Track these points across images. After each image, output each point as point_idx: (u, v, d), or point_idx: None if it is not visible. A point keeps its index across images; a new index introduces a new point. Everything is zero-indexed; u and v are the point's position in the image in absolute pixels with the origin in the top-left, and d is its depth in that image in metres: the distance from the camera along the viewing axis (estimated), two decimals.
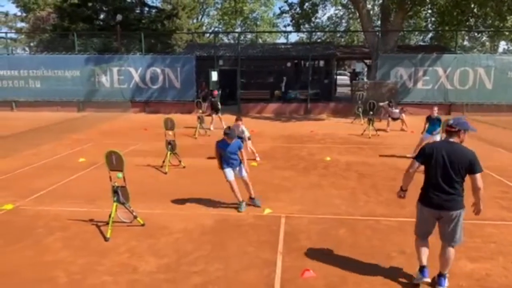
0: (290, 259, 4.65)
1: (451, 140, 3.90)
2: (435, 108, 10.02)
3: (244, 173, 6.33)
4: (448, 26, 20.42)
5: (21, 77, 19.68)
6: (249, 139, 9.39)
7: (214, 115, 14.19)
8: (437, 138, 9.29)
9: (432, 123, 9.63)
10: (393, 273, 4.32)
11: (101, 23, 26.29)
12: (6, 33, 29.95)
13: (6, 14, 35.75)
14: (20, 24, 37.41)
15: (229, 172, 6.25)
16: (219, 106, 14.35)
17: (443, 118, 9.16)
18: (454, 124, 3.88)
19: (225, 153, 6.19)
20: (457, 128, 3.86)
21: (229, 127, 6.33)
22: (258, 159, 9.39)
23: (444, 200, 3.83)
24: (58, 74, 19.55)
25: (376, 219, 5.82)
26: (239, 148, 6.24)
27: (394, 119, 14.25)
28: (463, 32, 27.07)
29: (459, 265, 4.42)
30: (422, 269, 4.07)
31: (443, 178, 3.83)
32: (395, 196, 6.70)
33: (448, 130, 3.92)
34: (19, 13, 37.44)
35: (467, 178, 3.85)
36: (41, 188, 7.30)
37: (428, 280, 4.04)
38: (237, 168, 6.31)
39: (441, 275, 4.02)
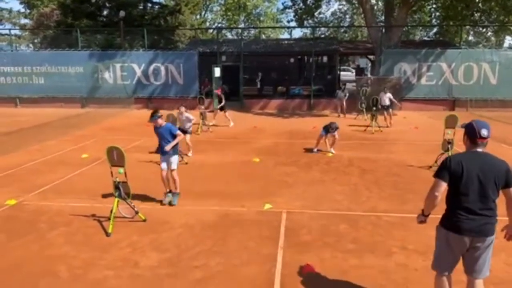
0: (290, 254, 4.66)
1: (479, 150, 3.15)
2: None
3: (174, 166, 6.29)
4: (453, 21, 20.29)
5: (25, 74, 19.74)
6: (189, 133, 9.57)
7: (219, 112, 14.34)
8: None
9: None
10: (394, 269, 4.32)
11: (104, 19, 26.30)
12: (10, 29, 30.07)
13: (10, 10, 35.88)
14: (23, 21, 37.55)
15: (162, 160, 6.32)
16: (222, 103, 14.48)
17: (446, 114, 9.12)
18: (489, 134, 3.13)
19: (159, 137, 6.23)
20: (488, 139, 3.16)
21: (156, 110, 6.28)
22: (190, 154, 9.41)
23: (481, 224, 3.08)
24: (62, 71, 19.60)
25: (377, 215, 5.81)
26: (171, 132, 6.16)
27: (383, 106, 14.09)
28: (467, 27, 26.85)
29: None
30: None
31: (479, 198, 3.08)
32: (398, 192, 6.79)
33: (479, 141, 3.13)
34: (22, 10, 37.56)
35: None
36: (44, 184, 7.35)
37: None
38: (170, 159, 6.28)
39: None
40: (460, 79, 17.97)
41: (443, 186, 3.15)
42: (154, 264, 4.49)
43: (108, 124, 14.67)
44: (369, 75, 28.06)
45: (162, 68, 19.26)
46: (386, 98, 14.18)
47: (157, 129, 6.24)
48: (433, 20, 29.14)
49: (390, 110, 14.13)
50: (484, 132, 3.12)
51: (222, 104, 14.31)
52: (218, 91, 15.13)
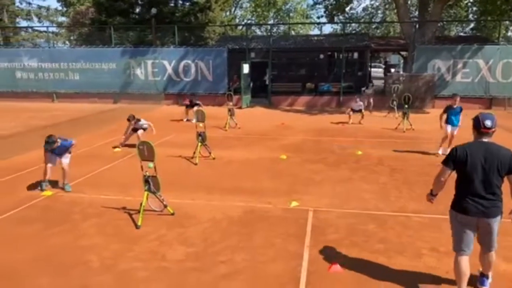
0: (317, 252, 4.62)
1: (486, 140, 3.49)
2: (458, 98, 9.44)
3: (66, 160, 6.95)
4: (491, 15, 19.46)
5: (62, 70, 20.49)
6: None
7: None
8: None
9: (454, 113, 9.21)
10: (423, 271, 4.21)
11: (137, 16, 26.84)
12: (47, 27, 31.24)
13: (48, 8, 37.25)
14: (61, 19, 38.91)
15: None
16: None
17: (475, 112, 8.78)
18: (493, 125, 3.46)
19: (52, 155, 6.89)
20: (495, 129, 3.49)
21: (48, 136, 6.93)
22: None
23: (485, 207, 3.44)
24: (96, 67, 20.21)
25: (407, 215, 5.67)
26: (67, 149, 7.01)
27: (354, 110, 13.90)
28: (506, 22, 25.67)
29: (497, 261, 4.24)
30: None
31: (483, 184, 3.43)
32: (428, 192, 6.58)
33: (484, 131, 3.46)
34: (59, 8, 38.94)
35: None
36: (78, 176, 7.61)
37: None
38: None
39: (483, 275, 3.86)
40: (498, 76, 17.22)
41: (448, 172, 3.61)
42: (180, 257, 4.57)
43: None
44: (401, 72, 27.40)
45: (192, 65, 19.50)
46: (361, 103, 13.95)
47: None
48: (470, 15, 28.08)
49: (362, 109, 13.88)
50: (488, 123, 3.45)
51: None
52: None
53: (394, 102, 15.54)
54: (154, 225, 5.39)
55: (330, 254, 4.58)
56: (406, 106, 12.67)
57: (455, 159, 3.53)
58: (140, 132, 10.04)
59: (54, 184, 7.14)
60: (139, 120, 10.15)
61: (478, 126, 3.50)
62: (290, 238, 5.02)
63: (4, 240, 5.02)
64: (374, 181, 7.27)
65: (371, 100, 16.65)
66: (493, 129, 3.48)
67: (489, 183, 3.43)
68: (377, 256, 4.53)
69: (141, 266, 4.38)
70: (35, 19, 36.11)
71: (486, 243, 3.64)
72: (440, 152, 9.10)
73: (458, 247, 3.63)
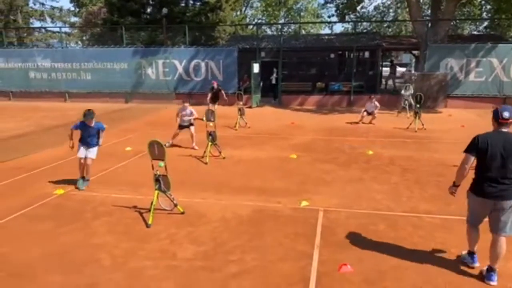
0: (327, 252, 4.59)
1: (504, 130, 3.87)
2: None
3: (93, 155, 7.01)
4: (505, 14, 19.12)
5: (74, 70, 20.75)
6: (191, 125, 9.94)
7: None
8: None
9: None
10: (435, 272, 4.15)
11: (148, 16, 27.04)
12: (60, 27, 31.63)
13: (61, 9, 37.67)
14: (73, 19, 39.36)
15: (82, 149, 6.97)
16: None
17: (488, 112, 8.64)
18: (510, 117, 3.81)
19: (84, 133, 6.95)
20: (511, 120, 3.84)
21: (88, 109, 7.11)
22: (196, 147, 9.63)
23: (501, 190, 3.81)
24: (107, 67, 20.41)
25: (418, 216, 5.61)
26: (99, 130, 7.10)
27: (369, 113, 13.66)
28: None
29: (507, 265, 4.17)
30: (472, 254, 4.19)
31: (500, 169, 3.81)
32: (441, 193, 6.52)
33: (503, 122, 3.85)
34: (72, 8, 39.39)
35: None
36: (90, 175, 7.67)
37: (477, 264, 4.12)
38: (91, 149, 6.99)
39: (491, 270, 3.96)
40: None
41: (471, 159, 3.95)
42: (190, 256, 4.58)
43: (150, 119, 15.12)
44: (413, 71, 27.10)
45: (203, 64, 19.57)
46: (372, 104, 13.61)
47: (83, 125, 6.99)
48: (483, 14, 27.65)
49: (375, 111, 13.55)
50: (506, 114, 3.82)
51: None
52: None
53: (406, 102, 15.39)
54: (164, 224, 5.42)
55: (340, 255, 4.54)
56: (418, 105, 12.53)
57: (477, 147, 3.87)
58: (192, 128, 9.84)
59: (70, 182, 7.22)
60: (184, 108, 9.81)
61: (497, 117, 3.87)
62: (299, 238, 5.00)
63: (16, 238, 5.09)
64: (385, 181, 7.20)
65: (412, 101, 16.11)
66: (511, 120, 3.83)
67: (506, 169, 3.80)
68: (388, 257, 4.48)
69: (151, 264, 4.40)
70: (48, 19, 36.59)
71: (498, 227, 3.89)
72: None
73: (472, 221, 4.15)
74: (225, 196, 6.53)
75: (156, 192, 5.57)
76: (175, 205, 5.71)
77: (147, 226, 5.34)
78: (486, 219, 4.04)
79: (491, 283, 3.90)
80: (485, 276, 3.97)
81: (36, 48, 26.18)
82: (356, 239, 4.93)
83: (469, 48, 17.43)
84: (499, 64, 16.97)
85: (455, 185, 4.17)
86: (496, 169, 3.81)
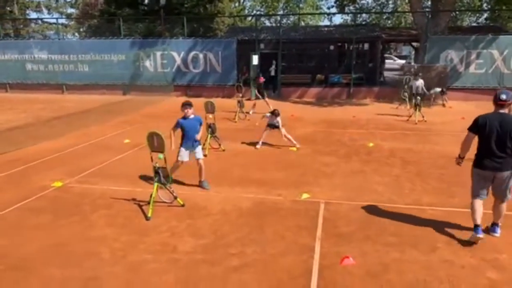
0: (328, 245, 4.55)
1: (502, 111, 4.43)
2: None
3: (201, 156, 6.41)
4: (506, 5, 18.96)
5: (71, 62, 20.54)
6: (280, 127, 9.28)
7: (260, 100, 14.34)
8: None
9: None
10: (438, 265, 4.11)
11: (146, 7, 26.78)
12: (57, 18, 31.31)
13: (57, 0, 37.29)
14: (70, 10, 38.97)
15: (184, 153, 6.29)
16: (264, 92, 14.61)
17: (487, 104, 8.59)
18: (508, 98, 4.36)
19: (185, 130, 6.26)
20: (509, 101, 4.39)
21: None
22: (298, 146, 9.10)
23: (498, 163, 4.41)
24: (105, 59, 20.21)
25: (421, 208, 5.56)
26: (200, 125, 6.31)
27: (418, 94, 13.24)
28: None
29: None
30: (476, 228, 4.52)
31: (497, 145, 4.38)
32: (444, 185, 6.49)
33: (500, 103, 4.41)
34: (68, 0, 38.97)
35: None
36: (88, 167, 7.61)
37: (482, 236, 4.46)
38: (195, 150, 6.34)
39: (495, 224, 4.71)
40: None
41: (472, 136, 4.59)
42: (191, 249, 4.52)
43: (148, 111, 15.00)
44: (412, 63, 26.98)
45: (201, 56, 19.40)
46: (419, 85, 13.38)
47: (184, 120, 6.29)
48: (483, 5, 27.45)
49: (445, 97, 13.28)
50: (503, 96, 4.37)
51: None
52: (261, 79, 15.18)
53: (406, 94, 15.30)
54: (164, 217, 5.36)
55: (342, 247, 4.50)
56: (419, 97, 12.45)
57: (478, 126, 4.49)
58: (283, 130, 9.09)
59: (68, 174, 7.15)
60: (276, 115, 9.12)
61: (496, 99, 4.43)
62: (301, 230, 4.95)
63: (15, 231, 5.03)
64: (386, 174, 7.14)
65: (426, 91, 15.83)
66: (508, 102, 4.38)
67: (503, 145, 4.37)
68: (390, 249, 4.44)
69: (151, 258, 4.34)
70: (45, 10, 36.20)
71: (499, 194, 4.57)
72: None
73: (476, 194, 4.63)
74: (225, 188, 6.47)
75: (156, 184, 5.50)
76: (175, 198, 5.64)
77: (147, 219, 5.28)
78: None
79: (495, 234, 4.65)
80: (490, 229, 4.69)
81: (32, 39, 25.92)
82: (358, 232, 4.88)
83: (470, 40, 17.31)
84: (500, 55, 16.87)
85: (460, 157, 4.84)
86: (494, 145, 4.39)
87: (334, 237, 4.75)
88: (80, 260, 4.31)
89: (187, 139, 6.27)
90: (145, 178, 6.82)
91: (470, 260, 4.18)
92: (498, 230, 4.69)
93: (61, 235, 4.92)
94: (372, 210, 5.54)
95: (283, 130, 9.08)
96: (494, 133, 4.37)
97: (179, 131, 6.31)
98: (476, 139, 4.60)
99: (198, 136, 6.30)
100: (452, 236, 4.71)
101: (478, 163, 4.57)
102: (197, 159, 6.40)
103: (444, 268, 4.04)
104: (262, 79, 15.27)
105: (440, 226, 4.99)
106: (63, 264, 4.24)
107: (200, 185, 6.49)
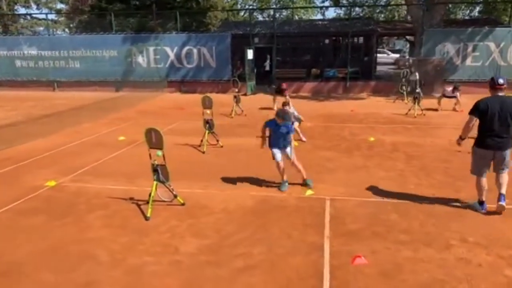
0: (338, 244, 4.35)
1: (500, 94, 4.80)
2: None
3: (293, 155, 6.07)
4: None
5: (62, 58, 20.09)
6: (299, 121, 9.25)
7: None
8: None
9: None
10: (454, 263, 3.93)
11: (137, 2, 26.25)
12: (46, 14, 30.67)
13: None
14: (59, 5, 38.21)
15: (277, 152, 6.03)
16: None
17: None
18: (504, 82, 4.80)
19: (275, 133, 6.00)
20: (505, 86, 4.82)
21: (283, 108, 6.05)
22: (304, 139, 8.97)
23: (500, 142, 4.79)
24: (97, 54, 19.79)
25: (430, 204, 5.38)
26: (288, 132, 5.97)
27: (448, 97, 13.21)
28: None
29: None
30: (482, 203, 5.02)
31: (499, 126, 4.73)
32: (449, 179, 6.34)
33: (498, 87, 4.80)
34: None
35: None
36: (82, 166, 7.34)
37: (485, 211, 4.97)
38: (286, 150, 6.05)
39: (501, 194, 4.94)
40: (510, 59, 16.79)
41: (474, 119, 4.92)
42: (194, 250, 4.30)
43: (142, 107, 14.69)
44: (407, 57, 26.89)
45: (195, 51, 19.07)
46: (449, 89, 13.23)
47: (273, 124, 5.99)
48: None
49: (457, 93, 13.09)
50: (500, 80, 4.81)
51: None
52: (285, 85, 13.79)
53: (403, 87, 15.17)
54: (164, 216, 5.12)
55: (352, 246, 4.30)
56: (418, 90, 12.30)
57: (479, 110, 4.83)
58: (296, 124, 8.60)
59: (62, 173, 6.87)
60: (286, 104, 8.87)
61: (493, 84, 4.84)
62: (308, 228, 4.75)
63: (5, 234, 4.76)
64: (390, 168, 6.97)
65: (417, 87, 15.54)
66: (505, 86, 4.81)
67: (503, 126, 4.74)
68: (402, 247, 4.25)
69: (152, 260, 4.11)
70: (34, 6, 35.47)
71: (500, 168, 4.94)
72: None
73: (479, 172, 5.02)
74: (226, 186, 6.25)
75: (155, 183, 5.26)
76: (175, 196, 5.41)
77: (146, 218, 5.05)
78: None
79: (501, 202, 4.89)
80: (498, 199, 4.92)
81: (21, 36, 25.36)
82: (367, 229, 4.69)
83: (466, 32, 17.19)
84: (496, 48, 16.78)
85: (462, 138, 5.19)
86: (495, 126, 4.74)
87: (343, 235, 4.56)
88: (76, 264, 4.07)
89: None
90: (142, 176, 6.55)
91: (486, 258, 4.01)
92: (504, 199, 4.92)
93: (55, 237, 4.66)
94: (379, 206, 5.36)
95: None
96: (495, 115, 4.70)
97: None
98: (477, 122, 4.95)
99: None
100: (464, 232, 4.54)
101: (480, 143, 4.91)
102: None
103: (461, 267, 3.87)
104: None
105: (451, 222, 4.81)
106: (58, 268, 4.00)
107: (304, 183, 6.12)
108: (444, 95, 13.26)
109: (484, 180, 5.00)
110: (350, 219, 4.96)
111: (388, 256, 4.09)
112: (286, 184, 6.05)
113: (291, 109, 9.42)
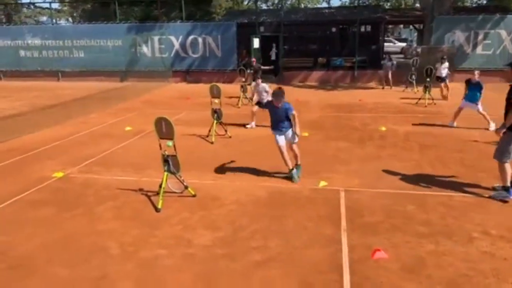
0: (356, 237, 4.21)
1: None
2: (476, 72, 8.97)
3: (295, 139, 5.86)
4: None
5: (66, 47, 19.92)
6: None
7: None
8: (479, 107, 8.51)
9: (472, 88, 8.71)
10: (478, 257, 3.78)
11: None
12: (50, 3, 30.38)
13: None
14: None
15: (278, 136, 5.87)
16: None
17: (503, 86, 8.20)
18: None
19: (272, 116, 5.85)
20: None
21: (279, 87, 5.82)
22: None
23: None
24: (101, 44, 19.60)
25: (448, 195, 5.22)
26: (287, 113, 5.71)
27: (439, 78, 12.96)
28: None
29: None
30: (508, 189, 5.00)
31: None
32: (467, 170, 6.17)
33: None
34: None
35: None
36: (90, 156, 7.22)
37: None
38: (288, 133, 5.83)
39: None
40: None
41: None
42: (208, 243, 4.18)
43: (148, 97, 14.54)
44: (414, 45, 26.49)
45: (200, 40, 18.82)
46: (444, 69, 13.03)
47: (270, 106, 5.84)
48: None
49: (447, 81, 12.96)
50: None
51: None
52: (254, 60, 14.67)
53: (413, 76, 14.90)
54: (175, 208, 5.00)
55: (370, 239, 4.16)
56: (428, 79, 12.05)
57: None
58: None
59: (69, 163, 6.76)
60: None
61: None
62: (323, 221, 4.61)
63: (15, 225, 4.66)
64: (405, 159, 6.79)
65: (390, 74, 15.81)
66: None
67: None
68: (423, 240, 4.10)
69: (165, 253, 4.00)
70: None
71: None
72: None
73: (507, 158, 4.99)
74: (236, 176, 6.11)
75: (165, 173, 5.12)
76: (186, 187, 5.28)
77: (157, 210, 4.93)
78: None
79: None
80: None
81: (25, 25, 25.15)
82: (385, 222, 4.55)
83: (477, 20, 16.83)
84: (508, 36, 16.42)
85: (505, 127, 4.99)
86: None
87: (361, 227, 4.42)
88: (87, 257, 3.96)
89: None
90: (150, 166, 6.43)
91: (511, 251, 3.86)
92: None
93: (65, 229, 4.56)
94: (395, 197, 5.20)
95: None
96: None
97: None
98: None
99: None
100: (486, 225, 4.39)
101: None
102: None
103: (486, 261, 3.72)
104: (255, 60, 14.88)
105: (471, 214, 4.66)
106: (69, 261, 3.89)
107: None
108: (437, 77, 13.00)
109: (510, 166, 5.01)
110: (366, 211, 4.81)
111: (409, 249, 3.95)
112: (293, 171, 5.87)
113: (260, 86, 9.36)
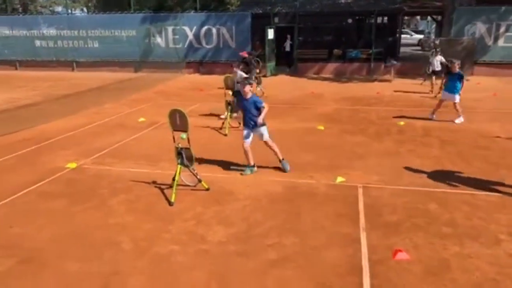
0: (376, 236, 4.04)
1: None
2: (457, 63, 8.72)
3: (266, 137, 5.79)
4: None
5: (80, 37, 19.89)
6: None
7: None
8: (457, 100, 8.21)
9: (451, 79, 8.65)
10: (507, 260, 3.59)
11: None
12: None
13: None
14: None
15: (246, 132, 5.78)
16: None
17: None
18: None
19: (243, 111, 5.78)
20: None
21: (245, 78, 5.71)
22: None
23: None
24: (115, 34, 19.52)
25: (472, 193, 5.00)
26: (256, 105, 5.60)
27: (433, 72, 12.61)
28: None
29: None
30: None
31: None
32: (491, 167, 5.92)
33: None
34: None
35: None
36: (103, 147, 7.17)
37: None
38: (257, 130, 5.73)
39: None
40: None
41: None
42: (221, 239, 4.06)
43: (161, 88, 14.45)
44: (432, 37, 25.83)
45: (214, 31, 18.60)
46: (437, 61, 12.65)
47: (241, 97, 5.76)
48: None
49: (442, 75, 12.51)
50: None
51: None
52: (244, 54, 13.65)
53: (431, 69, 14.46)
54: (188, 202, 4.90)
55: (391, 239, 4.00)
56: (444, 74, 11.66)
57: None
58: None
59: (83, 154, 6.71)
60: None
61: None
62: (341, 219, 4.45)
63: (26, 218, 4.61)
64: (425, 155, 6.56)
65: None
66: None
67: None
68: (448, 242, 3.91)
69: (178, 249, 3.89)
70: None
71: None
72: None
73: None
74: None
75: (179, 166, 5.01)
76: (199, 181, 5.16)
77: (170, 204, 4.83)
78: None
79: None
80: None
81: (40, 15, 25.25)
82: (406, 221, 4.36)
83: (499, 11, 16.23)
84: None
85: None
86: None
87: (381, 226, 4.24)
88: (99, 252, 3.89)
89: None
90: (164, 159, 6.34)
91: None
92: None
93: (77, 222, 4.50)
94: (416, 195, 5.01)
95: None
96: None
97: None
98: None
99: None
100: None
101: None
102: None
103: None
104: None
105: (497, 214, 4.45)
106: (81, 256, 3.82)
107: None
108: (433, 71, 12.70)
109: None
110: (386, 209, 4.64)
111: (432, 251, 3.78)
112: (253, 169, 5.79)
113: (238, 74, 8.89)
